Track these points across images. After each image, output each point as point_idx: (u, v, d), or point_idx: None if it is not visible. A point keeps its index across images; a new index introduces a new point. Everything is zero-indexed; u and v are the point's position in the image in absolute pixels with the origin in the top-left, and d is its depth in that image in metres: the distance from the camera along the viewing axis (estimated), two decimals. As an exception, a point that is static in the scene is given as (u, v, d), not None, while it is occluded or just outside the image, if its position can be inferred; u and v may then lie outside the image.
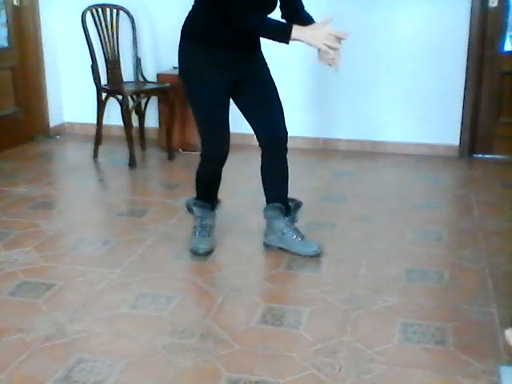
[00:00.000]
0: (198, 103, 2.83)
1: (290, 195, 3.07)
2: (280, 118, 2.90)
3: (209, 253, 3.00)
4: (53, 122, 5.26)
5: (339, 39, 2.55)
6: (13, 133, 4.84)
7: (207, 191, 3.09)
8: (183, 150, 4.83)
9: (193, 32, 2.74)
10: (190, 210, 3.12)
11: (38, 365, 2.16)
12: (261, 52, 2.89)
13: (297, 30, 2.53)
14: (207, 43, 2.71)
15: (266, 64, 2.90)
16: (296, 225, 3.06)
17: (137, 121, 4.79)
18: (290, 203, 3.06)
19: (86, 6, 4.52)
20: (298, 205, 3.08)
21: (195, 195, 3.11)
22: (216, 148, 2.90)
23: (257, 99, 2.88)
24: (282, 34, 2.54)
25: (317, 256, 2.99)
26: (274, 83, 2.89)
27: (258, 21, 2.61)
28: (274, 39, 2.59)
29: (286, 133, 2.92)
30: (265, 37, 2.67)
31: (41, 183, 4.09)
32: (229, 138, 2.89)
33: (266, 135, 2.91)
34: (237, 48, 2.73)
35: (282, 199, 3.03)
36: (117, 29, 4.68)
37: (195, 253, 3.00)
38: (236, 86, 2.81)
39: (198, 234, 3.05)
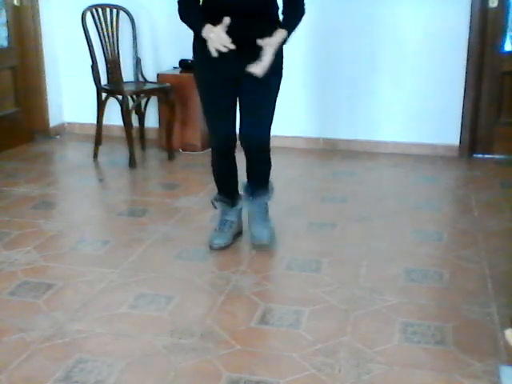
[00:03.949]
0: (200, 96, 2.95)
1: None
2: (260, 126, 2.89)
3: (223, 248, 3.05)
4: (53, 122, 5.26)
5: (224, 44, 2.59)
6: (13, 133, 4.84)
7: (222, 185, 3.13)
8: (183, 150, 4.83)
9: None
10: (213, 204, 3.18)
11: (38, 365, 2.16)
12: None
13: (205, 31, 2.64)
14: (200, 39, 2.75)
15: (273, 63, 2.75)
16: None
17: (137, 121, 4.80)
18: (261, 190, 3.11)
19: (85, 6, 4.51)
20: (265, 192, 3.11)
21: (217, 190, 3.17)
22: (216, 139, 2.96)
23: (245, 101, 2.88)
24: (196, 30, 2.72)
25: (260, 249, 3.06)
26: (273, 85, 2.86)
27: (183, 11, 2.77)
28: (193, 30, 2.78)
29: (264, 140, 2.93)
30: (188, 26, 2.80)
31: (41, 183, 4.09)
32: (231, 132, 2.90)
33: (241, 138, 2.92)
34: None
35: (259, 186, 3.11)
36: (117, 29, 4.68)
37: (210, 247, 3.06)
38: (239, 82, 2.82)
39: (216, 228, 3.11)
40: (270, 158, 3.05)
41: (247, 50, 2.68)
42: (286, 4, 2.81)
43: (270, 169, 3.10)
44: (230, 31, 2.62)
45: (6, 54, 4.85)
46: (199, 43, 2.77)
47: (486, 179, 4.27)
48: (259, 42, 2.63)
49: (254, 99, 2.86)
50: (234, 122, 2.94)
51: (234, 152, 2.99)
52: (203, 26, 2.65)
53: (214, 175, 3.12)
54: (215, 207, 3.18)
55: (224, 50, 2.57)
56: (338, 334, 2.35)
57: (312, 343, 2.29)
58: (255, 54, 2.70)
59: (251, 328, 2.40)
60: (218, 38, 2.56)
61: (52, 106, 5.23)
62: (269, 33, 2.72)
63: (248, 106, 2.88)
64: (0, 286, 2.70)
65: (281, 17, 2.82)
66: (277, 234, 3.19)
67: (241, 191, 3.17)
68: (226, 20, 2.56)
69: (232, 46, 2.56)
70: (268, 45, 2.64)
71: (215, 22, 2.64)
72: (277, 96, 2.90)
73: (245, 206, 3.18)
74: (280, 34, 2.68)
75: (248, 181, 3.14)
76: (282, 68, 2.88)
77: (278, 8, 2.81)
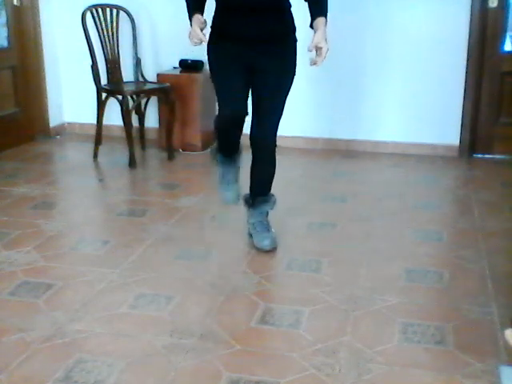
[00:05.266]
0: (212, 74, 2.94)
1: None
2: (269, 123, 2.90)
3: (236, 201, 3.13)
4: (53, 122, 5.26)
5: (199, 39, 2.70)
6: (13, 133, 4.84)
7: (225, 147, 3.08)
8: (183, 150, 4.83)
9: (211, 24, 2.89)
10: (212, 156, 3.17)
11: (38, 365, 2.16)
12: (285, 47, 2.86)
13: (193, 20, 2.72)
14: (216, 35, 2.85)
15: (286, 60, 2.86)
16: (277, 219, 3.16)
17: (137, 121, 4.80)
18: (261, 198, 3.11)
19: (85, 6, 4.52)
20: (266, 200, 3.12)
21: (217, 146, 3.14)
22: (224, 112, 2.89)
23: (257, 96, 2.89)
24: (189, 17, 2.76)
25: (268, 251, 3.04)
26: (285, 83, 2.87)
27: None
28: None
29: (271, 138, 2.93)
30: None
31: (41, 183, 4.09)
32: (242, 105, 2.85)
33: (252, 134, 2.93)
34: (242, 41, 2.78)
35: (260, 193, 3.12)
36: (117, 29, 4.68)
37: (224, 202, 3.17)
38: (252, 71, 2.84)
39: (221, 180, 3.11)
40: (275, 160, 3.03)
41: (260, 43, 2.77)
42: None
43: (273, 173, 3.08)
44: (244, 26, 2.76)
45: (6, 54, 4.85)
46: (217, 23, 2.85)
47: (486, 179, 4.27)
48: (310, 46, 2.61)
49: (266, 95, 2.87)
50: (246, 100, 2.88)
51: (241, 127, 2.91)
52: (193, 15, 2.73)
53: (217, 135, 3.07)
54: (214, 159, 3.15)
55: (197, 42, 2.70)
56: (338, 334, 2.35)
57: (312, 343, 2.29)
58: (268, 47, 2.79)
59: (251, 328, 2.40)
60: (193, 32, 2.69)
61: (52, 106, 5.23)
62: (281, 27, 2.82)
63: (260, 103, 2.88)
64: (0, 286, 2.70)
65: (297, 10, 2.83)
66: (277, 234, 3.19)
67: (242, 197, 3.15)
68: (201, 18, 2.69)
69: (203, 40, 2.68)
70: (319, 41, 2.62)
71: (229, 16, 2.78)
72: (288, 93, 2.90)
73: (246, 216, 3.17)
74: (321, 23, 2.67)
75: (250, 187, 3.12)
76: (295, 65, 2.89)
77: (290, 4, 2.83)
